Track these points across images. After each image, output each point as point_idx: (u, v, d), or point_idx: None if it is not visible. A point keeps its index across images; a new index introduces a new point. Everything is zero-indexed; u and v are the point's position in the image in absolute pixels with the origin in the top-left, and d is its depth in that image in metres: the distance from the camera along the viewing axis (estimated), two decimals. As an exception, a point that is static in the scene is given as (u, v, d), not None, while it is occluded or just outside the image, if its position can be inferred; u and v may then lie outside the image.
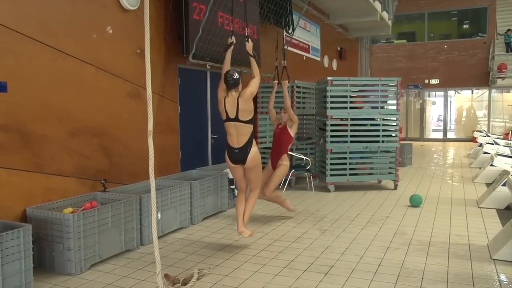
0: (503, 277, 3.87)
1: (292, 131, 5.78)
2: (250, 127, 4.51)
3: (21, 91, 4.24)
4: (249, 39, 4.81)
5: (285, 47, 8.19)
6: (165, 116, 6.34)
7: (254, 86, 4.49)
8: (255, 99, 8.55)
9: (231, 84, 4.40)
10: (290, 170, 7.66)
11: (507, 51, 17.72)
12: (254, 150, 4.58)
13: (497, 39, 18.29)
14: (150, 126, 3.19)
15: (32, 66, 4.36)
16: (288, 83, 6.04)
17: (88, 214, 4.09)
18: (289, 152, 7.72)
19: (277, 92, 6.37)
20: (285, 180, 7.54)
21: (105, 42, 5.26)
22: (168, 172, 6.24)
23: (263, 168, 5.60)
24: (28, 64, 4.32)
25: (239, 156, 4.53)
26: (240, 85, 4.47)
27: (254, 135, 4.61)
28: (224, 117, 4.51)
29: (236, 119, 4.43)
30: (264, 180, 5.73)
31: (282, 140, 5.81)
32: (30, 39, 4.33)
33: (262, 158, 5.38)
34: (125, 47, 5.56)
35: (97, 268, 4.14)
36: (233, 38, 4.72)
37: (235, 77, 4.39)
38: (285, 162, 5.75)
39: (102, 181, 5.00)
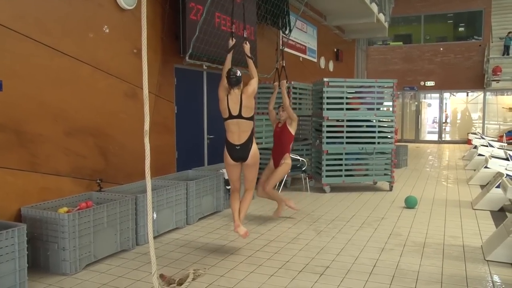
0: (496, 278, 3.90)
1: (292, 129, 5.82)
2: (251, 124, 4.58)
3: (17, 90, 4.22)
4: (247, 41, 4.83)
5: (282, 47, 8.20)
6: (161, 116, 6.34)
7: (255, 84, 4.57)
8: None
9: (234, 82, 4.42)
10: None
11: (503, 54, 17.82)
12: (255, 147, 4.64)
13: (492, 42, 18.40)
14: (147, 126, 3.19)
15: (28, 65, 4.34)
16: (286, 82, 6.08)
17: (84, 214, 4.08)
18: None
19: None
20: (281, 180, 7.54)
21: (102, 41, 5.25)
22: (164, 172, 6.24)
23: (263, 167, 5.61)
24: (24, 63, 4.31)
25: (241, 153, 4.56)
26: (242, 83, 4.50)
27: (253, 132, 4.65)
28: (226, 115, 4.51)
29: (239, 116, 4.46)
30: (266, 177, 5.80)
31: (283, 139, 5.85)
32: (26, 37, 4.31)
33: (260, 158, 5.40)
34: (122, 47, 5.55)
35: (92, 268, 4.13)
36: (234, 40, 4.73)
37: (238, 75, 4.42)
38: (287, 161, 5.81)
39: (98, 181, 5.00)
